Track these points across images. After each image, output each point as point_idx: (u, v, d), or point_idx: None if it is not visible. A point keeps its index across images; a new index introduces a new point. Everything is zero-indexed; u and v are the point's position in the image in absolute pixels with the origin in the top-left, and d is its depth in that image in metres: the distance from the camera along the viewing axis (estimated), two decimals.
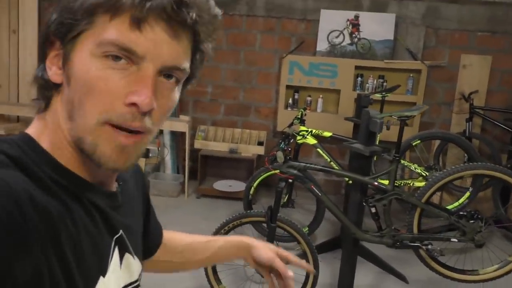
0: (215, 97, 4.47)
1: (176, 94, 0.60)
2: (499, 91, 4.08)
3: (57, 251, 0.51)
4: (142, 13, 0.51)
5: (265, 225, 3.04)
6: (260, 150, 4.20)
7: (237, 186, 4.20)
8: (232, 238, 0.95)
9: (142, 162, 4.27)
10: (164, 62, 0.55)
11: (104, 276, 0.59)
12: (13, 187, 0.48)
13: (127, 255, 0.67)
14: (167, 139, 4.35)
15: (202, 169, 4.23)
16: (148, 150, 4.52)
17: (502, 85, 4.07)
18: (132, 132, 0.55)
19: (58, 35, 0.54)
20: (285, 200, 3.26)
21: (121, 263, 0.65)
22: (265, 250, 0.91)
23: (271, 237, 2.38)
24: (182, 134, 4.33)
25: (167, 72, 0.56)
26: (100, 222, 0.60)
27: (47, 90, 0.58)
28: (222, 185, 4.23)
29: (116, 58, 0.53)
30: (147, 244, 0.82)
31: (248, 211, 2.56)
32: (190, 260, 0.94)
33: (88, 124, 0.54)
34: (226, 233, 2.47)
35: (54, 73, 0.56)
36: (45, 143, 0.57)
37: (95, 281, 0.58)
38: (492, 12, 3.96)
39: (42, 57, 0.57)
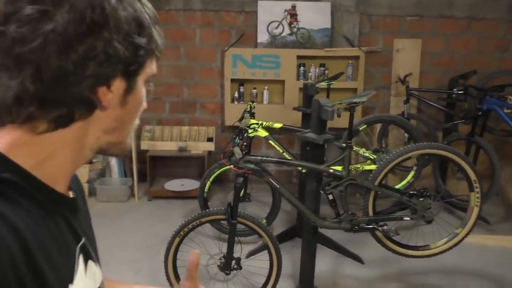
0: (158, 95, 4.33)
1: None
2: (431, 72, 4.33)
3: (31, 265, 0.52)
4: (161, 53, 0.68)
5: (224, 222, 3.03)
6: (210, 146, 4.15)
7: (189, 184, 4.13)
8: None
9: (86, 169, 4.06)
10: None
11: (72, 283, 0.61)
12: None
13: (90, 262, 0.68)
14: None
15: (151, 170, 4.11)
16: None
17: (433, 66, 4.33)
18: None
19: (127, 72, 0.61)
20: (241, 194, 3.24)
21: (86, 271, 0.66)
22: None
23: (232, 234, 2.37)
24: None
25: None
26: (64, 229, 0.62)
27: (84, 112, 0.60)
28: (173, 185, 4.13)
29: (149, 82, 0.68)
30: None
31: (206, 210, 2.52)
32: None
33: (129, 132, 0.69)
34: (186, 234, 2.42)
35: (110, 99, 0.61)
36: (19, 154, 0.57)
37: None
38: None
39: (93, 86, 0.59)
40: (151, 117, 4.38)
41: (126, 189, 4.04)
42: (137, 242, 3.28)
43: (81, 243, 0.66)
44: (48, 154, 0.59)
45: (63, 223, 0.62)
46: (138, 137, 4.12)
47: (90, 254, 0.69)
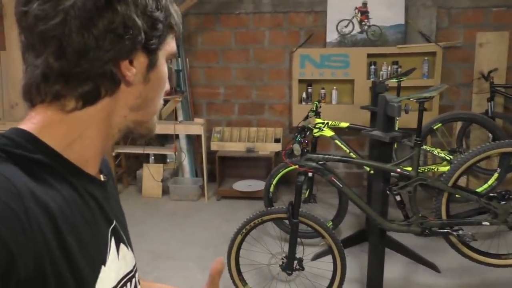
0: (228, 98, 4.43)
1: None
2: None
3: (60, 243, 0.52)
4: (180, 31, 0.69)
5: (287, 221, 3.00)
6: (277, 147, 4.15)
7: (256, 185, 4.16)
8: None
9: (160, 168, 4.27)
10: None
11: (105, 265, 0.61)
12: (13, 182, 0.49)
13: (122, 246, 0.69)
14: (183, 143, 4.34)
15: (220, 170, 4.20)
16: (165, 156, 4.52)
17: None
18: None
19: (148, 46, 0.62)
20: (306, 195, 3.19)
21: (118, 254, 0.67)
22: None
23: (294, 234, 2.33)
24: (198, 137, 4.31)
25: None
26: (96, 212, 0.63)
27: (109, 88, 0.61)
28: (241, 185, 4.19)
29: (170, 62, 0.70)
30: None
31: (268, 208, 2.50)
32: None
33: (155, 111, 0.69)
34: (248, 232, 2.42)
35: (132, 75, 0.62)
36: (49, 135, 0.58)
37: (98, 270, 0.60)
38: None
39: (115, 60, 0.60)
40: (221, 118, 4.49)
41: (197, 189, 4.18)
42: (205, 240, 3.36)
43: (112, 226, 0.66)
44: (78, 134, 0.60)
45: (94, 205, 0.62)
46: (209, 138, 4.24)
47: (122, 238, 0.69)
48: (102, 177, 0.69)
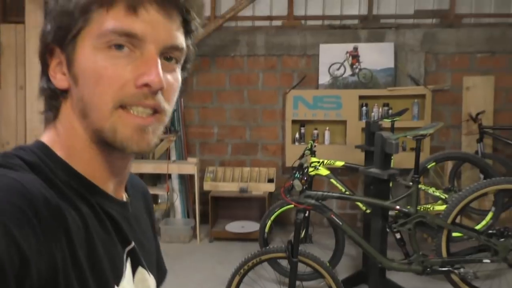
0: (221, 138, 4.45)
1: (179, 75, 0.62)
2: (506, 109, 4.06)
3: (71, 252, 0.51)
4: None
5: (284, 263, 2.93)
6: (271, 188, 4.12)
7: (250, 226, 4.09)
8: None
9: None
10: (164, 42, 0.57)
11: (118, 286, 0.59)
12: (28, 188, 0.49)
13: (140, 269, 0.66)
14: (175, 183, 4.29)
15: (213, 211, 4.13)
16: (157, 196, 4.45)
17: (508, 103, 4.06)
18: (147, 112, 0.57)
19: (57, 40, 0.56)
20: (302, 235, 3.14)
21: (133, 277, 0.64)
22: None
23: (293, 274, 2.27)
24: (191, 177, 4.27)
25: (167, 54, 0.58)
26: (112, 231, 0.60)
27: (54, 99, 0.60)
28: (234, 226, 4.11)
29: (119, 47, 0.54)
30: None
31: (267, 247, 2.45)
32: None
33: (103, 113, 0.55)
34: (246, 273, 2.36)
35: (59, 80, 0.58)
36: (59, 151, 0.58)
37: None
38: (489, 33, 4.01)
39: (44, 70, 0.59)
40: (214, 158, 4.48)
41: (188, 230, 4.08)
42: (197, 283, 3.25)
43: (129, 247, 0.64)
44: (74, 149, 0.59)
45: (110, 224, 0.60)
46: (201, 178, 4.21)
47: (140, 261, 0.66)
48: (124, 197, 0.67)
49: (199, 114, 4.47)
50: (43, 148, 0.57)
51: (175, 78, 0.61)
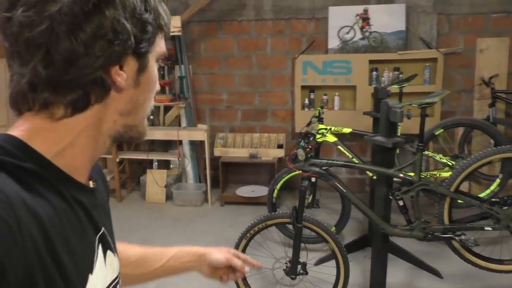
0: (231, 104, 4.47)
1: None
2: None
3: (50, 252, 0.52)
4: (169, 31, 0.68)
5: (291, 226, 3.02)
6: (280, 153, 4.17)
7: (259, 191, 4.18)
8: (186, 247, 0.99)
9: (164, 174, 4.29)
10: None
11: (92, 274, 0.61)
12: (6, 192, 0.48)
13: (109, 253, 0.68)
14: (186, 149, 4.36)
15: (223, 176, 4.23)
16: (168, 162, 4.55)
17: None
18: None
19: (138, 50, 0.60)
20: (309, 200, 3.21)
21: (105, 261, 0.66)
22: (221, 252, 0.99)
23: (297, 239, 2.35)
24: (201, 143, 4.34)
25: None
26: (84, 220, 0.61)
27: (99, 94, 0.59)
28: (245, 191, 4.21)
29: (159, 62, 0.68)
30: None
31: (272, 213, 2.52)
32: (145, 271, 0.94)
33: (145, 115, 0.68)
34: (252, 237, 2.44)
35: (123, 80, 0.60)
36: (39, 142, 0.57)
37: (86, 278, 0.59)
38: None
39: (105, 66, 0.58)
40: (224, 124, 4.52)
41: (200, 194, 4.20)
42: (208, 245, 3.30)
43: (100, 233, 0.65)
44: (68, 142, 0.59)
45: (82, 213, 0.61)
46: (212, 144, 4.28)
47: (109, 244, 0.69)
48: (91, 184, 0.68)
49: (207, 81, 4.47)
50: (13, 141, 0.56)
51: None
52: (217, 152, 4.25)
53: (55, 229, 0.54)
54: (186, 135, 4.14)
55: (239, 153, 4.23)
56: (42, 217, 0.52)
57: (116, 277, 0.71)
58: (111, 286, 0.68)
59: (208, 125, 4.24)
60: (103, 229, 0.67)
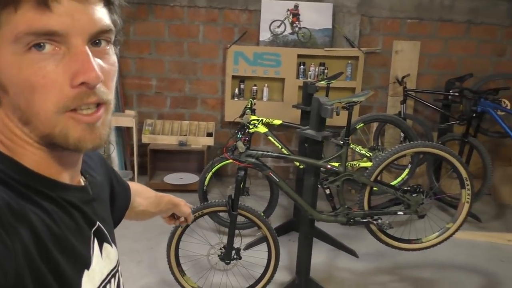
0: (160, 90, 4.41)
1: (114, 56, 0.60)
2: (428, 74, 4.43)
3: (42, 252, 0.52)
4: None
5: (221, 214, 3.12)
6: (210, 141, 4.23)
7: (188, 178, 4.21)
8: (169, 197, 1.18)
9: None
10: (89, 30, 0.53)
11: (88, 269, 0.62)
12: None
13: (105, 245, 0.69)
14: (112, 135, 4.23)
15: (151, 163, 4.18)
16: None
17: (430, 68, 4.42)
18: (91, 109, 0.56)
19: None
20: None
21: (101, 253, 0.67)
22: (186, 207, 1.22)
23: (232, 225, 2.45)
24: (128, 129, 4.24)
25: (94, 40, 0.55)
26: (77, 216, 0.62)
27: None
28: (173, 178, 4.21)
29: (40, 46, 0.50)
30: (115, 214, 0.88)
31: (208, 202, 2.59)
32: (154, 211, 1.13)
33: (48, 119, 0.53)
34: (188, 225, 2.50)
35: None
36: (6, 153, 0.56)
37: (81, 275, 0.60)
38: (418, 0, 4.26)
39: None
40: (153, 111, 4.45)
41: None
42: (136, 234, 3.35)
43: (95, 227, 0.66)
44: (28, 151, 0.57)
45: (75, 212, 0.62)
46: (140, 131, 4.20)
47: (105, 237, 0.69)
48: (82, 181, 0.68)
49: (135, 65, 4.36)
50: None
51: (111, 62, 0.58)
52: (145, 139, 4.19)
53: (46, 230, 0.54)
54: (113, 121, 4.01)
55: (168, 140, 4.21)
56: (30, 218, 0.51)
57: (114, 267, 0.72)
58: (109, 276, 0.69)
59: (136, 111, 4.16)
60: (98, 223, 0.68)
